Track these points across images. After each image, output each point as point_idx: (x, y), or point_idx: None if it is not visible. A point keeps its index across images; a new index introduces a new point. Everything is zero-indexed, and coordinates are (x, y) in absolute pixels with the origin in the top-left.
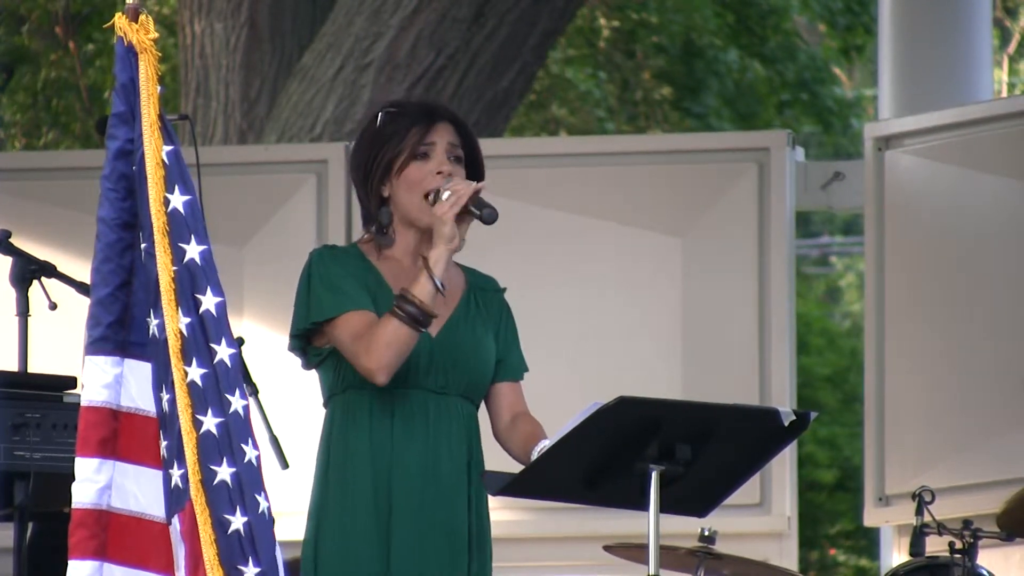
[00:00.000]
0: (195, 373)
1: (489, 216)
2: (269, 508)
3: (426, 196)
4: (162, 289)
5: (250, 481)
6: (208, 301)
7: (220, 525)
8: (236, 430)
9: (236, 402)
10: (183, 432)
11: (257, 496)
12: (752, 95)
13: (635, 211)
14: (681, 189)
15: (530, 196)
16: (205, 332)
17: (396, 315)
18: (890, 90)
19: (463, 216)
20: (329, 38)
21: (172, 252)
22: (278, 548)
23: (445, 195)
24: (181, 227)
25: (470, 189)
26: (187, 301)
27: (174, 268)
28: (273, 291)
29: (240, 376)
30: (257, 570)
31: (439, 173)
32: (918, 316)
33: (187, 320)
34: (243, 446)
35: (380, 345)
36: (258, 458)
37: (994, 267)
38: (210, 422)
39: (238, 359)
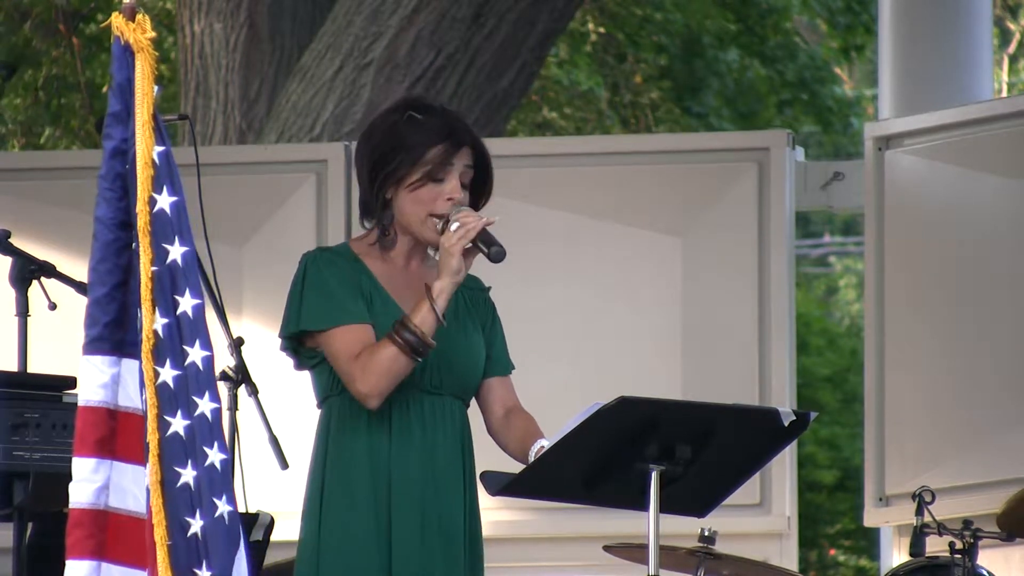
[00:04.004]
0: (167, 374)
1: (497, 255)
2: (231, 512)
3: (430, 215)
4: (141, 289)
5: (209, 484)
6: (186, 303)
7: (181, 528)
8: (200, 433)
9: (204, 405)
10: (148, 432)
11: (216, 500)
12: (752, 95)
13: (635, 211)
14: (681, 189)
15: (530, 196)
16: (181, 334)
17: (395, 343)
18: (890, 90)
19: (470, 249)
20: (328, 38)
21: (154, 252)
22: (240, 552)
23: (454, 226)
24: (166, 228)
25: (480, 224)
26: (166, 302)
27: (153, 268)
28: (273, 291)
29: (212, 379)
30: (210, 573)
31: (449, 199)
32: (918, 316)
33: (164, 321)
34: (206, 449)
35: (377, 372)
36: (223, 462)
37: (994, 267)
38: (178, 424)
39: (211, 362)
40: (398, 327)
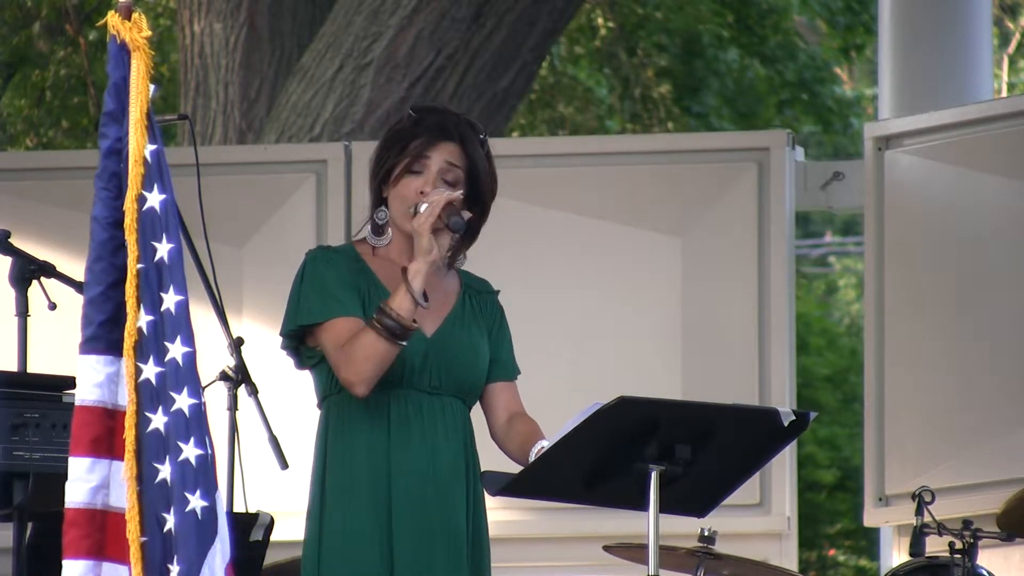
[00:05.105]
0: (150, 371)
1: (455, 225)
2: (205, 508)
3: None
4: (126, 286)
5: (181, 480)
6: (169, 300)
7: (157, 524)
8: (176, 428)
9: (181, 400)
10: (125, 427)
11: (188, 495)
12: (752, 95)
13: (635, 211)
14: (681, 189)
15: (530, 196)
16: (164, 330)
17: (374, 328)
18: (890, 90)
19: (442, 229)
20: (328, 38)
21: (141, 250)
22: (216, 548)
23: (422, 207)
24: (155, 225)
25: (442, 199)
26: (152, 299)
27: (139, 265)
28: (272, 291)
29: (193, 375)
30: (178, 568)
31: (422, 192)
32: (918, 316)
33: (149, 318)
34: (180, 444)
35: (359, 358)
36: (199, 457)
37: (994, 267)
38: (159, 420)
39: (192, 358)
40: (377, 313)
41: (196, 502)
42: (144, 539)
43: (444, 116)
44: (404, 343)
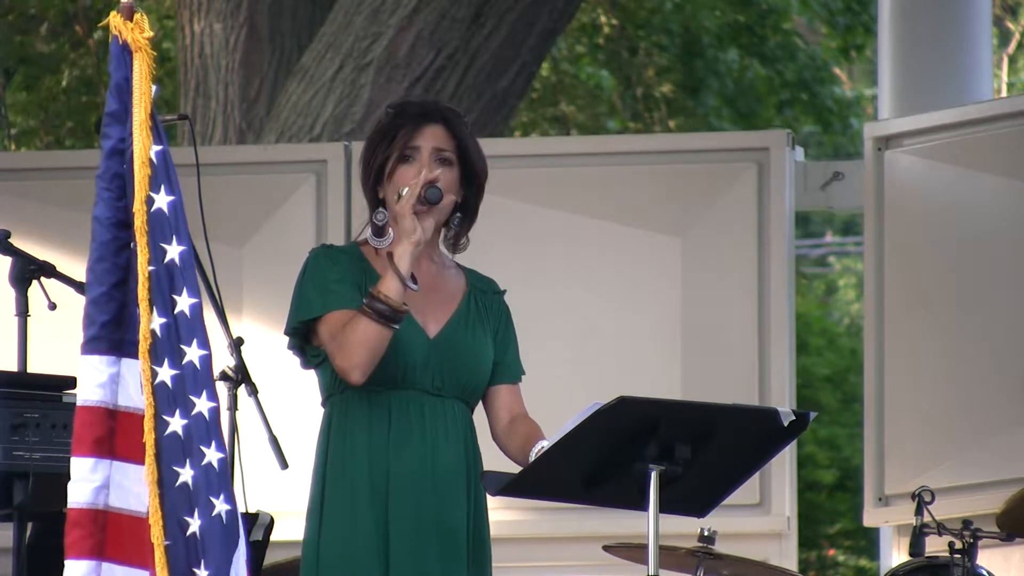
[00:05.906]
0: (166, 374)
1: (432, 196)
2: (229, 512)
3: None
4: (138, 288)
5: (206, 484)
6: (183, 302)
7: (180, 528)
8: (198, 432)
9: (201, 404)
10: (144, 431)
11: (213, 499)
12: (752, 95)
13: (635, 211)
14: (681, 189)
15: (530, 196)
16: (178, 333)
17: (365, 313)
18: (890, 90)
19: (428, 209)
20: (328, 38)
21: (151, 251)
22: (239, 551)
23: (404, 191)
24: (164, 227)
25: (421, 179)
26: (164, 301)
27: (151, 268)
28: (272, 291)
29: (210, 378)
30: (207, 573)
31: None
32: (917, 316)
33: (162, 320)
34: (203, 448)
35: (352, 344)
36: (221, 461)
37: (993, 267)
38: (176, 423)
39: (208, 361)
40: (367, 298)
41: (221, 506)
42: (167, 543)
43: (422, 104)
44: (396, 326)
